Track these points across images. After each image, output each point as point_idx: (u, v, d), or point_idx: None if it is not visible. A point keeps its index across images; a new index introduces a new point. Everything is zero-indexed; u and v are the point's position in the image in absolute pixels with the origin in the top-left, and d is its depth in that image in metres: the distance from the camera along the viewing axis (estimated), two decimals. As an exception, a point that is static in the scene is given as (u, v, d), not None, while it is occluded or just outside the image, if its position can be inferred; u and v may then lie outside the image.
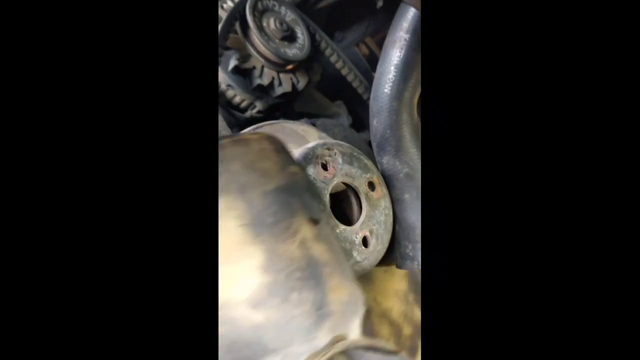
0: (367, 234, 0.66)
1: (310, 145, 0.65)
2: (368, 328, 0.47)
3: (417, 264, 0.73)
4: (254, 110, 0.93)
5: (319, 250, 0.49)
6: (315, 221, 0.51)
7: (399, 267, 0.80)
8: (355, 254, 0.63)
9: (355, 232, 0.64)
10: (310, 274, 0.47)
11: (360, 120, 1.11)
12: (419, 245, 0.73)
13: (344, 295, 0.47)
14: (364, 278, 0.63)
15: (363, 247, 0.65)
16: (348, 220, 0.68)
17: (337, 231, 0.63)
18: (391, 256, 0.78)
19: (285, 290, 0.45)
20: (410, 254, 0.74)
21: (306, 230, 0.50)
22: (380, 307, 0.60)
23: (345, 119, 1.06)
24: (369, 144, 1.01)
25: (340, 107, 1.09)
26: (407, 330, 0.58)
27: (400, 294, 0.65)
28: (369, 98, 1.04)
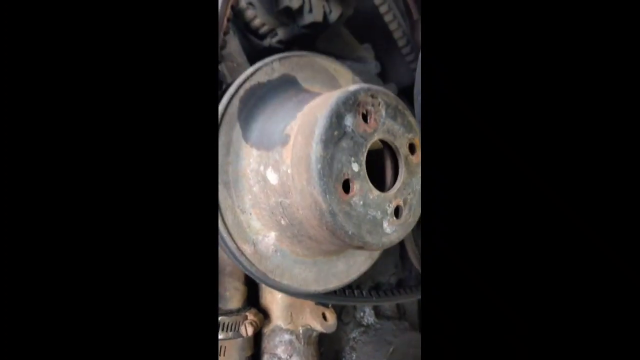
0: (401, 203, 0.57)
1: (352, 88, 0.53)
2: None
3: None
4: (274, 39, 0.79)
5: None
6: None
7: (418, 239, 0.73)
8: (385, 224, 0.55)
9: (389, 200, 0.55)
10: None
11: (387, 70, 0.99)
12: None
13: None
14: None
15: (394, 218, 0.56)
16: (378, 184, 0.59)
17: (370, 197, 0.53)
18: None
19: None
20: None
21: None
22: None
23: (373, 66, 0.93)
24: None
25: (367, 51, 0.96)
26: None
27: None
28: (405, 45, 0.91)
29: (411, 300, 0.87)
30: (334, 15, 0.78)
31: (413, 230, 0.71)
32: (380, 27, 0.90)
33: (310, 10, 0.75)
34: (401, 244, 0.89)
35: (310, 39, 0.86)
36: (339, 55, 0.91)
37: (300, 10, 0.75)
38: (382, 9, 0.84)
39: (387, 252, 0.87)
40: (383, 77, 0.97)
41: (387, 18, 0.85)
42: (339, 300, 0.68)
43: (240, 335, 0.61)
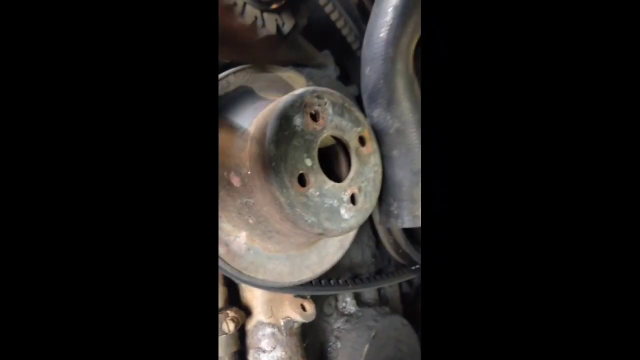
0: (356, 191, 0.61)
1: (298, 91, 0.58)
2: None
3: (400, 222, 0.71)
4: (234, 55, 0.84)
5: None
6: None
7: (382, 224, 0.77)
8: (342, 211, 0.59)
9: (343, 189, 0.60)
10: None
11: (348, 74, 1.04)
12: (404, 204, 0.70)
13: None
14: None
15: (351, 205, 0.60)
16: (336, 176, 0.64)
17: (325, 188, 0.58)
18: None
19: None
20: (395, 212, 0.71)
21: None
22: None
23: (332, 71, 0.98)
24: (357, 99, 0.95)
25: (327, 58, 1.02)
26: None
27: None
28: (358, 48, 0.97)
29: (388, 284, 0.91)
30: (287, 27, 0.83)
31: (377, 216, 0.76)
32: (337, 33, 0.96)
33: (264, 25, 0.80)
34: (376, 235, 0.93)
35: (269, 50, 0.91)
36: (300, 64, 0.97)
37: (253, 25, 0.80)
38: (333, 17, 0.90)
39: (362, 244, 0.92)
40: (345, 80, 1.03)
41: (339, 24, 0.91)
42: (316, 290, 0.72)
43: (223, 332, 0.65)
